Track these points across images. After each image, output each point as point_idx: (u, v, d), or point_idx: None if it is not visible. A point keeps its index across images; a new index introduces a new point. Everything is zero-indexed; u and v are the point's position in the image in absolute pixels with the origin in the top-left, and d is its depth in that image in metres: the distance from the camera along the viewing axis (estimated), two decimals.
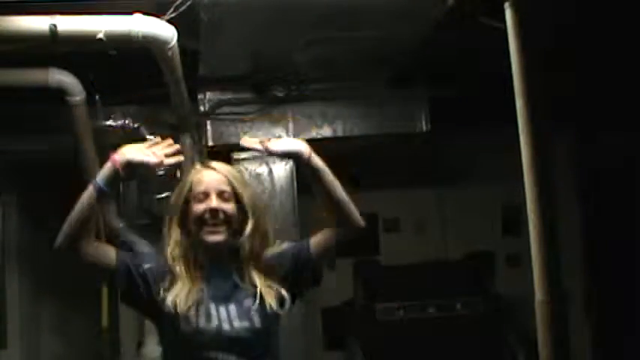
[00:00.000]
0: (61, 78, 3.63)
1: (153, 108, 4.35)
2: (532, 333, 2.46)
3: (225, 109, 4.49)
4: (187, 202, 2.25)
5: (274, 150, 2.19)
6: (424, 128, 4.59)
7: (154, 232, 4.78)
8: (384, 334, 4.87)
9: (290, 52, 4.01)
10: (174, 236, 2.25)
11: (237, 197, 2.25)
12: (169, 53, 3.22)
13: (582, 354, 5.24)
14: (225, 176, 2.27)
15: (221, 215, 2.21)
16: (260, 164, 4.55)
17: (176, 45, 3.23)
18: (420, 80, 4.59)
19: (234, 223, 2.23)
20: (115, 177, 2.14)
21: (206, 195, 2.24)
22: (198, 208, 2.22)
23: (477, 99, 4.43)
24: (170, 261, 2.23)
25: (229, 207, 2.23)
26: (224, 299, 2.21)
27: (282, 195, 4.53)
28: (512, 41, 2.44)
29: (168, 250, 2.25)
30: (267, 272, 2.25)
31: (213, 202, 2.22)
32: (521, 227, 4.64)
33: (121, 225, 4.40)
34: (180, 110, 4.06)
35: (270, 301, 2.20)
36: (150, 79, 3.70)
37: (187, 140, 4.39)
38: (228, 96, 4.50)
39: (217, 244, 2.22)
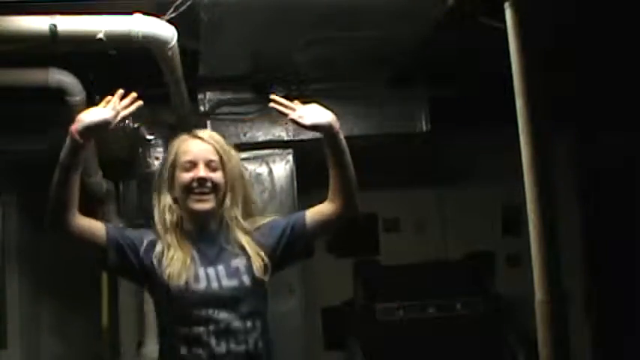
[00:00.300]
0: (61, 78, 3.63)
1: (153, 108, 4.35)
2: (532, 333, 2.46)
3: (225, 109, 4.49)
4: (174, 170, 2.33)
5: (304, 123, 2.27)
6: (424, 128, 4.58)
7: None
8: (384, 334, 4.87)
9: (290, 52, 4.01)
10: (163, 201, 2.33)
11: (223, 166, 2.32)
12: (169, 53, 3.22)
13: (582, 354, 5.24)
14: (213, 145, 2.35)
15: (208, 184, 2.29)
16: (260, 164, 4.55)
17: (176, 45, 3.23)
18: (420, 80, 4.59)
19: (221, 191, 2.31)
20: (74, 147, 2.20)
21: (194, 164, 2.31)
22: (185, 176, 2.29)
23: (477, 99, 4.43)
24: (160, 227, 2.30)
25: (217, 176, 2.31)
26: (212, 262, 2.28)
27: (282, 195, 4.53)
28: (512, 41, 2.44)
29: (157, 216, 2.32)
30: (255, 239, 2.32)
31: (201, 171, 2.29)
32: (521, 227, 4.64)
33: (120, 225, 4.41)
34: (180, 110, 4.06)
35: (257, 264, 2.27)
36: (150, 79, 3.70)
37: None
38: (228, 96, 4.49)
39: (205, 212, 2.29)
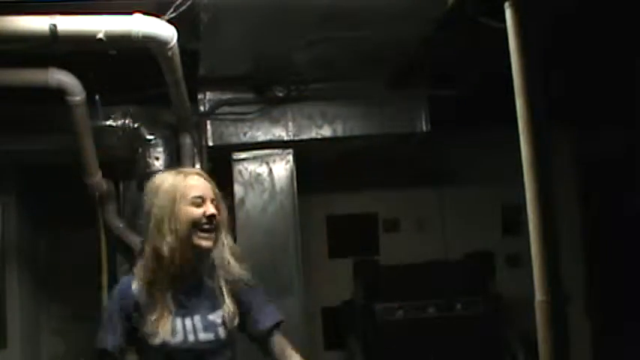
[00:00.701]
0: (61, 78, 3.63)
1: (153, 108, 4.35)
2: (532, 333, 2.46)
3: (225, 109, 4.49)
4: (175, 205, 2.27)
5: None
6: (424, 128, 4.58)
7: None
8: (384, 334, 4.87)
9: (290, 52, 4.01)
10: (167, 238, 2.26)
11: (219, 209, 2.32)
12: (169, 53, 3.22)
13: (582, 354, 5.24)
14: (212, 185, 2.35)
15: (214, 222, 2.28)
16: (260, 164, 4.55)
17: (176, 45, 3.24)
18: (420, 80, 4.59)
19: (220, 231, 2.31)
20: None
21: (203, 200, 2.28)
22: (196, 212, 2.26)
23: (477, 99, 4.43)
24: (139, 284, 2.30)
25: (218, 215, 2.30)
26: (189, 312, 2.30)
27: (282, 195, 4.53)
28: (512, 41, 2.44)
29: (140, 269, 2.31)
30: (237, 290, 2.35)
31: (210, 208, 2.27)
32: (521, 227, 4.64)
33: (120, 225, 4.41)
34: (180, 110, 4.06)
35: (232, 314, 2.31)
36: (150, 79, 3.70)
37: (187, 140, 4.39)
38: (228, 96, 4.49)
39: (209, 249, 2.29)
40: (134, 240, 4.24)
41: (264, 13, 3.42)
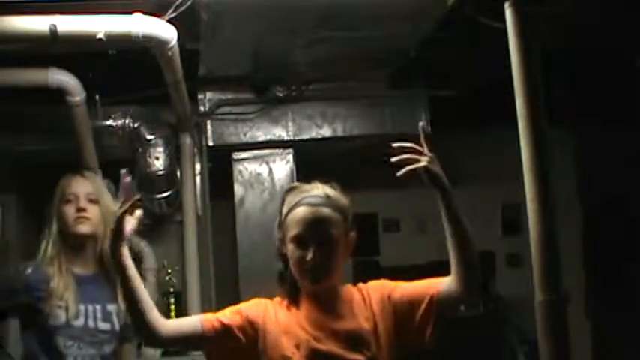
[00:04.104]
0: (61, 78, 3.63)
1: (153, 108, 4.35)
2: (532, 333, 2.46)
3: (225, 109, 4.49)
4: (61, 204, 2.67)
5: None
6: None
7: (155, 232, 4.79)
8: None
9: (290, 52, 4.01)
10: (53, 229, 2.67)
11: (99, 202, 2.68)
12: (169, 53, 3.22)
13: (582, 354, 5.23)
14: (91, 182, 2.74)
15: (83, 212, 2.63)
16: (260, 164, 4.55)
17: (176, 45, 3.24)
18: (420, 80, 4.59)
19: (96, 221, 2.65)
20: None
21: (75, 196, 2.66)
22: (67, 209, 2.65)
23: (477, 99, 4.43)
24: (46, 264, 2.60)
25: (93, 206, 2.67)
26: (91, 299, 2.59)
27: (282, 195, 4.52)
28: (512, 41, 2.44)
29: (43, 249, 2.64)
30: None
31: (80, 202, 2.64)
32: (521, 227, 4.64)
33: None
34: (180, 110, 4.07)
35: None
36: (150, 79, 3.70)
37: (187, 140, 4.39)
38: (228, 96, 4.49)
39: (84, 234, 2.63)
40: (134, 240, 4.24)
41: (264, 13, 3.42)
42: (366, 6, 3.39)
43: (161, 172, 4.26)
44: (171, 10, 3.18)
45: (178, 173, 4.43)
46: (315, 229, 1.89)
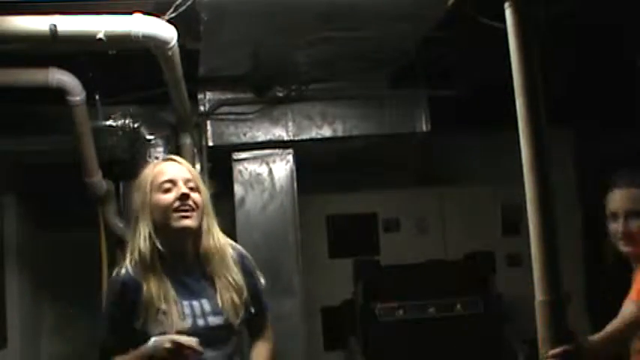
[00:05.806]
0: (61, 78, 3.63)
1: (153, 108, 4.35)
2: (532, 333, 2.46)
3: (225, 109, 4.49)
4: (150, 196, 2.25)
5: None
6: (424, 128, 4.59)
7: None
8: (384, 334, 4.87)
9: (290, 52, 4.01)
10: (143, 232, 2.23)
11: (199, 190, 2.27)
12: (169, 53, 3.22)
13: None
14: (188, 168, 2.32)
15: (190, 201, 2.23)
16: (260, 164, 4.55)
17: (176, 45, 3.24)
18: (420, 80, 4.59)
19: (200, 212, 2.25)
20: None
21: (174, 183, 2.24)
22: (166, 198, 2.23)
23: (477, 99, 4.43)
24: (134, 272, 2.23)
25: (196, 195, 2.25)
26: (194, 294, 2.24)
27: (282, 195, 4.53)
28: (512, 41, 2.44)
29: (130, 256, 2.25)
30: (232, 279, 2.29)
31: (182, 188, 2.23)
32: (521, 227, 4.64)
33: (120, 225, 4.40)
34: (180, 110, 4.07)
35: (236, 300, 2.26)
36: (150, 79, 3.70)
37: (187, 140, 4.39)
38: (228, 96, 4.50)
39: (191, 228, 2.23)
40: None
41: (264, 13, 3.41)
42: (366, 6, 3.39)
43: None
44: (171, 10, 3.18)
45: None
46: None
